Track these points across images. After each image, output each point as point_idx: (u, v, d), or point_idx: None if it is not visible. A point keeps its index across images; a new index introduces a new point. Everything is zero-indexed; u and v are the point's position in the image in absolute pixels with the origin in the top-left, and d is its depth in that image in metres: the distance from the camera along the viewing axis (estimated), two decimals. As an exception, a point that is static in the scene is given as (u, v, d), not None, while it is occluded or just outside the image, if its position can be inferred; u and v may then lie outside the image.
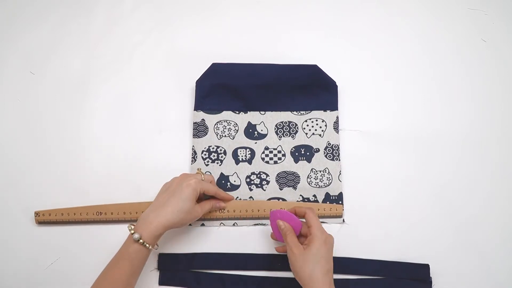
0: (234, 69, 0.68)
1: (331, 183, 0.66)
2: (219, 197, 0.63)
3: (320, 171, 0.66)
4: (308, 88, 0.69)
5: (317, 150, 0.67)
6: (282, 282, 0.61)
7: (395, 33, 0.75)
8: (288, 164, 0.67)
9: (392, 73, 0.73)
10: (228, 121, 0.69)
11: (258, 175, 0.66)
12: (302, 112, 0.69)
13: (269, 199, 0.65)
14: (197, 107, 0.69)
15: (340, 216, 0.64)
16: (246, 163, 0.67)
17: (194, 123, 0.68)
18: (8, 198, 0.66)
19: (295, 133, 0.68)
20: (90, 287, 0.52)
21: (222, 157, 0.67)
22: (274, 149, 0.68)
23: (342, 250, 0.62)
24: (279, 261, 0.62)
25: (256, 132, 0.68)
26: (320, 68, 0.68)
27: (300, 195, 0.65)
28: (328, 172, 0.66)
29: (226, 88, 0.69)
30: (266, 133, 0.68)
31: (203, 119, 0.68)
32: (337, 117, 0.69)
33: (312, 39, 0.75)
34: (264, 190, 0.66)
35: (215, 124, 0.68)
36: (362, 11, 0.76)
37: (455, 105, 0.70)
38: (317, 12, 0.76)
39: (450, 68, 0.73)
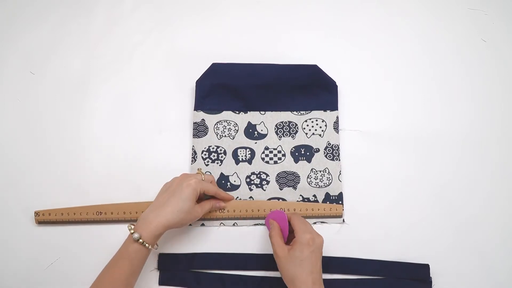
0: (234, 69, 0.68)
1: (331, 183, 0.66)
2: (219, 197, 0.63)
3: (320, 171, 0.66)
4: (308, 88, 0.69)
5: (317, 150, 0.67)
6: (282, 282, 0.61)
7: (395, 33, 0.75)
8: (288, 164, 0.67)
9: (392, 73, 0.73)
10: (228, 121, 0.69)
11: (258, 175, 0.66)
12: (302, 112, 0.69)
13: (269, 199, 0.65)
14: (197, 107, 0.69)
15: (340, 216, 0.64)
16: (246, 163, 0.67)
17: (194, 123, 0.68)
18: (8, 198, 0.66)
19: (295, 133, 0.68)
20: (89, 287, 0.52)
21: (222, 157, 0.67)
22: (274, 149, 0.68)
23: (342, 250, 0.63)
24: (279, 261, 0.62)
25: (256, 132, 0.68)
26: (320, 68, 0.68)
27: (300, 195, 0.65)
28: (328, 172, 0.66)
29: (226, 88, 0.69)
30: (266, 133, 0.68)
31: (203, 119, 0.68)
32: (337, 117, 0.69)
33: (312, 39, 0.75)
34: (264, 190, 0.66)
35: (215, 124, 0.68)
36: (362, 11, 0.76)
37: (455, 105, 0.70)
38: (317, 12, 0.76)
39: (450, 68, 0.73)
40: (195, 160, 0.67)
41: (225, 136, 0.68)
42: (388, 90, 0.71)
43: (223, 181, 0.66)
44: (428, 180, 0.66)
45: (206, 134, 0.68)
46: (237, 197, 0.65)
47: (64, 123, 0.70)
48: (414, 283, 0.61)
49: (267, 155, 0.67)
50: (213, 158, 0.67)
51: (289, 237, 0.58)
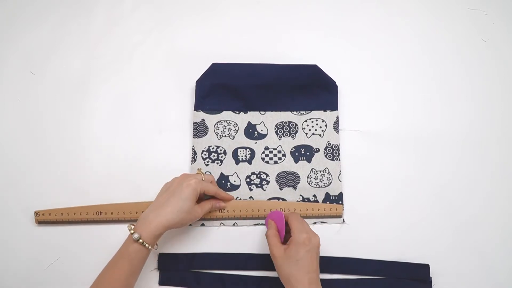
0: (234, 69, 0.68)
1: (331, 183, 0.66)
2: (219, 197, 0.63)
3: (320, 171, 0.66)
4: (308, 88, 0.69)
5: (317, 150, 0.67)
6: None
7: (395, 33, 0.75)
8: (288, 164, 0.67)
9: (392, 73, 0.72)
10: (228, 121, 0.69)
11: (258, 175, 0.66)
12: (302, 112, 0.69)
13: (269, 199, 0.65)
14: (197, 107, 0.69)
15: (340, 216, 0.64)
16: (246, 163, 0.67)
17: (194, 123, 0.68)
18: (8, 198, 0.66)
19: (295, 133, 0.68)
20: (89, 287, 0.52)
21: (222, 157, 0.67)
22: (274, 149, 0.68)
23: (342, 250, 0.63)
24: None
25: (256, 132, 0.68)
26: (320, 68, 0.68)
27: (300, 195, 0.65)
28: (328, 172, 0.66)
29: (226, 88, 0.69)
30: (266, 133, 0.68)
31: (203, 119, 0.68)
32: (337, 117, 0.69)
33: (312, 39, 0.75)
34: (264, 190, 0.66)
35: (215, 124, 0.68)
36: (362, 11, 0.76)
37: (455, 105, 0.70)
38: (317, 12, 0.76)
39: (450, 68, 0.73)
40: (195, 160, 0.67)
41: (225, 136, 0.68)
42: (388, 90, 0.71)
43: (223, 181, 0.66)
44: (428, 180, 0.66)
45: (206, 134, 0.68)
46: (237, 197, 0.65)
47: (64, 123, 0.70)
48: (414, 283, 0.61)
49: (267, 155, 0.67)
50: (213, 158, 0.67)
51: (287, 237, 0.58)
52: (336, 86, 0.69)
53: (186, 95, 0.71)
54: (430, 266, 0.62)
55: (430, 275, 0.61)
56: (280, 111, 0.69)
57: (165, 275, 0.62)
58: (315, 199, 0.65)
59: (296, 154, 0.67)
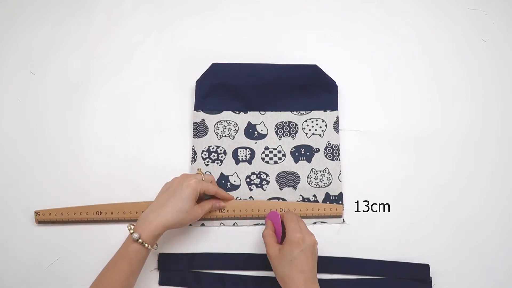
0: (234, 69, 0.68)
1: (331, 183, 0.66)
2: (220, 197, 0.63)
3: (320, 171, 0.66)
4: (308, 88, 0.69)
5: (317, 150, 0.67)
6: (282, 282, 0.61)
7: (395, 33, 0.75)
8: (288, 164, 0.67)
9: (392, 73, 0.72)
10: (228, 121, 0.69)
11: (258, 175, 0.66)
12: (302, 112, 0.69)
13: (269, 199, 0.65)
14: (197, 107, 0.69)
15: (340, 216, 0.64)
16: (246, 163, 0.67)
17: (194, 123, 0.68)
18: (8, 198, 0.66)
19: (295, 133, 0.68)
20: (89, 287, 0.52)
21: (222, 157, 0.67)
22: (274, 149, 0.68)
23: (342, 250, 0.63)
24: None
25: (256, 132, 0.68)
26: (320, 68, 0.68)
27: (300, 195, 0.65)
28: (328, 172, 0.66)
29: (226, 88, 0.69)
30: (266, 133, 0.68)
31: (203, 119, 0.68)
32: (337, 117, 0.69)
33: (312, 39, 0.75)
34: (264, 190, 0.66)
35: (215, 124, 0.68)
36: (362, 11, 0.76)
37: (455, 105, 0.70)
38: (317, 12, 0.76)
39: (450, 68, 0.73)
40: (195, 160, 0.67)
41: (225, 136, 0.68)
42: (388, 90, 0.71)
43: (223, 181, 0.66)
44: (428, 180, 0.66)
45: (206, 134, 0.68)
46: (237, 197, 0.65)
47: (64, 123, 0.70)
48: (414, 283, 0.61)
49: (267, 155, 0.67)
50: (213, 158, 0.67)
51: (284, 237, 0.58)
52: (336, 86, 0.69)
53: (186, 95, 0.71)
54: (430, 266, 0.62)
55: (430, 275, 0.61)
56: (280, 111, 0.69)
57: (165, 275, 0.62)
58: (315, 199, 0.65)
59: (296, 154, 0.67)
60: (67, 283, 0.62)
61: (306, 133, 0.68)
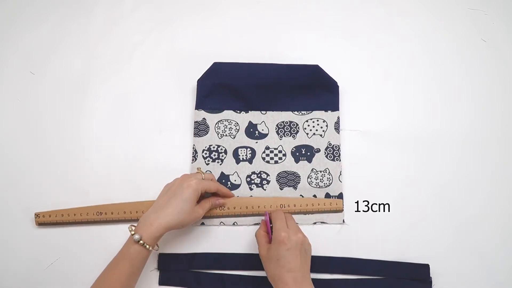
0: (236, 68, 0.68)
1: (331, 183, 0.66)
2: (221, 193, 0.63)
3: (320, 171, 0.66)
4: (309, 88, 0.69)
5: (318, 150, 0.67)
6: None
7: (395, 33, 0.75)
8: (288, 164, 0.67)
9: (392, 73, 0.73)
10: (229, 121, 0.69)
11: (259, 175, 0.66)
12: (303, 112, 0.69)
13: (270, 199, 0.65)
14: (198, 106, 0.69)
15: (341, 211, 0.64)
16: (247, 162, 0.67)
17: (195, 122, 0.68)
18: (8, 198, 0.66)
19: (296, 133, 0.68)
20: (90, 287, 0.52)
21: (222, 156, 0.67)
22: (275, 148, 0.68)
23: (342, 250, 0.63)
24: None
25: (257, 132, 0.68)
26: (321, 68, 0.68)
27: (300, 195, 0.65)
28: (329, 172, 0.66)
29: (227, 87, 0.69)
30: (267, 132, 0.68)
31: (204, 118, 0.68)
32: (338, 118, 0.69)
33: (312, 39, 0.75)
34: (265, 190, 0.66)
35: (216, 123, 0.68)
36: (362, 11, 0.76)
37: (455, 105, 0.71)
38: (317, 12, 0.76)
39: (450, 68, 0.73)
40: (196, 159, 0.67)
41: (226, 135, 0.68)
42: (388, 90, 0.71)
43: (223, 181, 0.66)
44: (428, 180, 0.66)
45: (207, 133, 0.68)
46: (237, 197, 0.65)
47: (64, 123, 0.70)
48: (414, 283, 0.61)
49: (267, 155, 0.67)
50: (213, 157, 0.67)
51: None
52: (337, 87, 0.69)
53: (186, 95, 0.71)
54: (430, 266, 0.62)
55: (430, 275, 0.61)
56: (281, 111, 0.69)
57: (165, 275, 0.62)
58: (316, 199, 0.65)
59: (297, 154, 0.67)
60: (67, 283, 0.62)
61: (307, 133, 0.68)
